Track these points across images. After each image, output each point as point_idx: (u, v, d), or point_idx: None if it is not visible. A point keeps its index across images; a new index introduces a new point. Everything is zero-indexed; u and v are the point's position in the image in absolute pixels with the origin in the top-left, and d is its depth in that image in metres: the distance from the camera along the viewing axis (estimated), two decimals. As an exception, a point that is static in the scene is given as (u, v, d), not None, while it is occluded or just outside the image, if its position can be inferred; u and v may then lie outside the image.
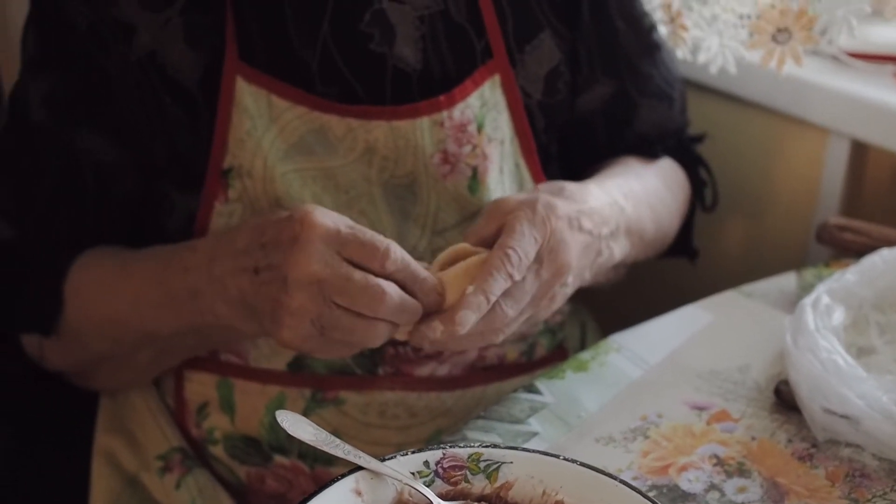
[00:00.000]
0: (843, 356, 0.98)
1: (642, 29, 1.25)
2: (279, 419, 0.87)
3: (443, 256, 1.01)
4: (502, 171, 1.16)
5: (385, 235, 1.05)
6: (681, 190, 1.30)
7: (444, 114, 1.11)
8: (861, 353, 1.06)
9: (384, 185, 1.12)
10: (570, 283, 1.04)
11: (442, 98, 1.11)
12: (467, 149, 1.13)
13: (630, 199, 1.14)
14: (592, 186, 1.10)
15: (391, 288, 0.94)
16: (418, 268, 0.96)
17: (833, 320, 1.05)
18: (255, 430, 1.16)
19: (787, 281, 1.20)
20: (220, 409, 1.17)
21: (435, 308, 0.97)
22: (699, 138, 1.35)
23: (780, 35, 1.25)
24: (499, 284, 0.95)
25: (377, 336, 0.96)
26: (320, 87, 1.10)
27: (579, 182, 1.11)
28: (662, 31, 1.34)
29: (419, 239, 1.14)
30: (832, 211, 1.39)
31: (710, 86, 1.46)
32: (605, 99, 1.25)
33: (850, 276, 1.10)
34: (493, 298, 0.95)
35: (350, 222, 0.96)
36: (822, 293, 1.07)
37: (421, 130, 1.11)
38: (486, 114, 1.14)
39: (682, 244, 1.34)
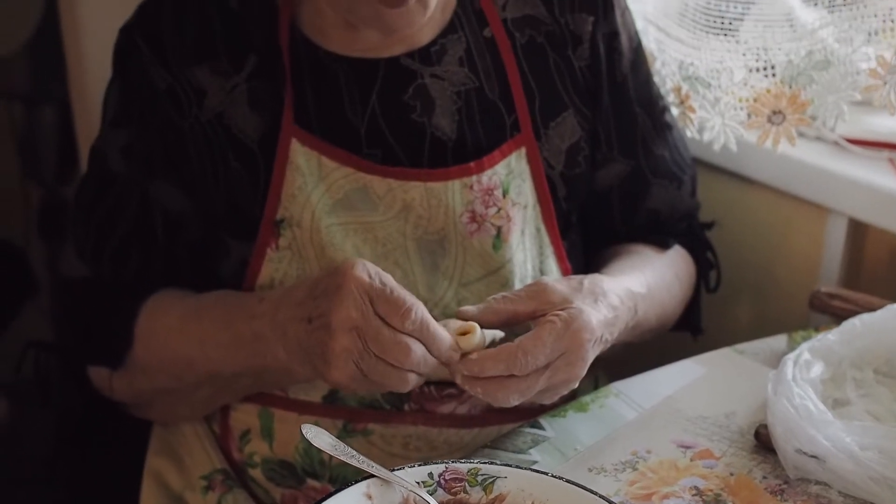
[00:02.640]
0: (815, 403, 1.09)
1: (656, 112, 1.38)
2: (303, 431, 0.99)
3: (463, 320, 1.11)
4: (524, 233, 1.28)
5: (416, 285, 1.19)
6: (689, 277, 1.40)
7: (474, 178, 1.24)
8: (837, 404, 1.16)
9: (418, 240, 1.24)
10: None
11: (472, 164, 1.24)
12: (493, 210, 1.25)
13: (646, 300, 1.23)
14: (622, 290, 1.18)
15: (416, 345, 1.05)
16: (437, 329, 1.06)
17: (811, 373, 1.15)
18: (291, 456, 1.27)
19: (777, 342, 1.31)
20: (261, 435, 1.29)
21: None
22: (709, 225, 1.46)
23: (775, 117, 1.38)
24: (497, 370, 1.05)
25: (406, 383, 1.07)
26: (366, 150, 1.23)
27: (616, 280, 1.20)
28: (674, 111, 1.46)
29: (446, 290, 1.26)
30: (832, 285, 1.50)
31: (721, 165, 1.57)
32: (621, 176, 1.37)
33: (831, 336, 1.21)
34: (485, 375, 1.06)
35: (387, 279, 1.07)
36: (804, 350, 1.18)
37: (452, 192, 1.24)
38: (511, 181, 1.26)
39: (688, 322, 1.43)
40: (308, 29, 1.25)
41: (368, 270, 1.06)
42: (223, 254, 1.27)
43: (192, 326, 1.22)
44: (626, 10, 1.34)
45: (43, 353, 1.37)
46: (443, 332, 1.07)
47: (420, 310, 1.05)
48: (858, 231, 1.50)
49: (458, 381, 1.08)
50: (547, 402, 1.14)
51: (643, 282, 1.25)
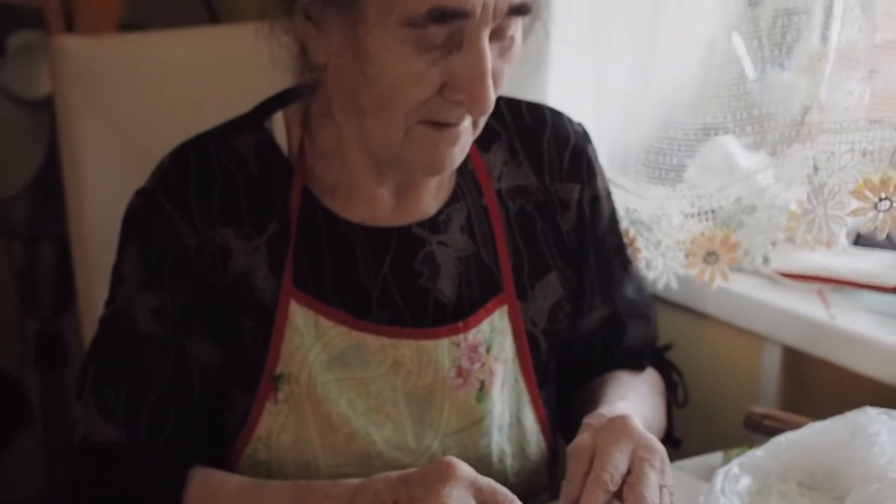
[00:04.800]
0: (737, 510, 1.20)
1: (626, 262, 1.51)
2: None
3: None
4: (503, 384, 1.39)
5: (405, 436, 1.30)
6: (662, 394, 1.53)
7: (461, 336, 1.33)
8: (763, 513, 1.27)
9: (407, 394, 1.32)
10: None
11: (461, 324, 1.33)
12: (477, 366, 1.35)
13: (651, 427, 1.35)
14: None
15: None
16: None
17: (739, 486, 1.26)
18: None
19: (714, 458, 1.41)
20: None
21: None
22: (667, 348, 1.59)
23: (710, 257, 1.53)
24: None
25: None
26: (376, 311, 1.32)
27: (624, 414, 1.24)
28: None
29: (433, 440, 1.34)
30: (770, 407, 1.62)
31: (668, 299, 1.71)
32: (601, 321, 1.49)
33: (759, 452, 1.32)
34: None
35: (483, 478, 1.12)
36: (734, 465, 1.29)
37: (442, 350, 1.33)
38: (494, 337, 1.36)
39: (669, 437, 1.54)
40: (324, 195, 1.32)
41: (467, 467, 1.12)
42: (230, 404, 1.33)
43: (254, 497, 1.25)
44: (603, 173, 1.48)
45: None
46: None
47: (517, 501, 1.11)
48: (793, 357, 1.63)
49: None
50: None
51: (640, 407, 1.36)
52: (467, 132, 1.25)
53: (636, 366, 1.51)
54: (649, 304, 1.54)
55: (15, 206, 2.39)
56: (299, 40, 1.25)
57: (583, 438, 1.20)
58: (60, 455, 1.36)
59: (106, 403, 1.27)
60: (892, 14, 1.42)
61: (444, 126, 1.22)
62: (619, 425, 1.19)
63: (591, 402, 1.40)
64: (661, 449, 1.19)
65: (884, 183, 1.31)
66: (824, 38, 1.41)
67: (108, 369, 1.28)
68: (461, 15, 1.14)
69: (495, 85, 1.20)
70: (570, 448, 1.20)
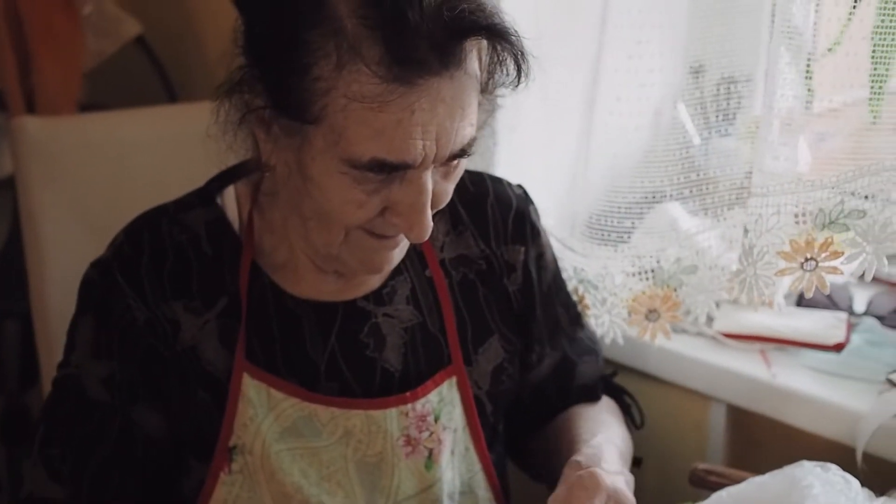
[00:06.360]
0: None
1: (571, 307, 1.57)
2: None
3: None
4: (453, 453, 1.43)
5: (356, 502, 1.33)
6: (622, 418, 1.57)
7: (409, 406, 1.37)
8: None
9: (357, 462, 1.36)
10: None
11: (408, 394, 1.37)
12: (426, 434, 1.38)
13: (624, 463, 1.39)
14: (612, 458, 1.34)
15: None
16: None
17: (682, 539, 1.31)
18: None
19: (661, 515, 1.47)
20: None
21: None
22: (614, 373, 1.63)
23: (651, 315, 1.58)
24: None
25: None
26: (325, 383, 1.35)
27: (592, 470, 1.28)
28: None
29: None
30: (717, 463, 1.66)
31: (619, 361, 1.75)
32: (554, 366, 1.54)
33: (702, 506, 1.37)
34: None
35: None
36: (677, 519, 1.35)
37: (390, 419, 1.36)
38: (442, 407, 1.40)
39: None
40: (272, 270, 1.36)
41: None
42: (184, 472, 1.37)
43: None
44: (544, 230, 1.53)
45: None
46: None
47: None
48: (738, 415, 1.67)
49: None
50: None
51: (615, 445, 1.40)
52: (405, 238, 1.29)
53: (592, 398, 1.55)
54: (594, 338, 1.59)
55: (-22, 287, 2.40)
56: (252, 133, 1.27)
57: (559, 494, 1.25)
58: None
59: (53, 463, 1.33)
60: (831, 84, 1.48)
61: (383, 237, 1.27)
62: (592, 482, 1.23)
63: (561, 441, 1.44)
64: (631, 499, 1.24)
65: (808, 244, 1.37)
66: (767, 106, 1.45)
67: (57, 431, 1.34)
68: (402, 167, 1.18)
69: (438, 203, 1.25)
70: (551, 501, 1.25)
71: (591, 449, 1.34)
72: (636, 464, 1.57)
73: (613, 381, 1.63)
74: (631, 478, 1.33)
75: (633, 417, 1.61)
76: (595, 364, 1.58)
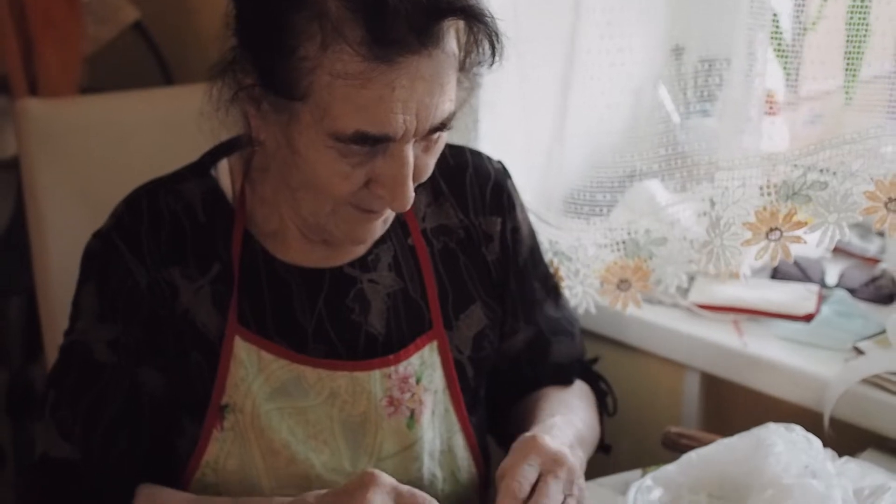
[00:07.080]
0: (647, 517, 1.31)
1: (549, 284, 1.62)
2: None
3: None
4: (434, 413, 1.49)
5: (341, 460, 1.40)
6: (593, 405, 1.63)
7: (392, 368, 1.43)
8: (674, 521, 1.38)
9: (343, 422, 1.43)
10: None
11: (391, 357, 1.44)
12: (407, 395, 1.45)
13: (581, 443, 1.45)
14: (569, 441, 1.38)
15: None
16: None
17: (650, 496, 1.36)
18: None
19: (633, 475, 1.51)
20: None
21: None
22: (594, 360, 1.69)
23: (623, 285, 1.64)
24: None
25: None
26: (312, 345, 1.42)
27: (533, 434, 1.34)
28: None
29: (367, 463, 1.43)
30: (691, 428, 1.72)
31: (596, 331, 1.82)
32: (527, 341, 1.60)
33: (672, 467, 1.42)
34: None
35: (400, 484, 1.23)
36: (647, 479, 1.40)
37: (374, 380, 1.43)
38: (424, 370, 1.46)
39: (601, 444, 1.63)
40: (264, 238, 1.42)
41: (388, 476, 1.23)
42: (179, 431, 1.43)
43: None
44: (522, 205, 1.59)
45: None
46: None
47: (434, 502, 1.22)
48: (711, 382, 1.74)
49: None
50: None
51: (576, 428, 1.46)
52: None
53: (564, 380, 1.61)
54: (573, 321, 1.65)
55: (-16, 262, 2.46)
56: (243, 110, 1.33)
57: (505, 461, 1.31)
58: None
59: (65, 424, 1.38)
60: (809, 63, 1.53)
61: (369, 211, 1.34)
62: (529, 443, 1.30)
63: (524, 420, 1.50)
64: (570, 462, 1.29)
65: (773, 215, 1.43)
66: (740, 84, 1.50)
67: (67, 394, 1.39)
68: (384, 139, 1.24)
69: (420, 176, 1.31)
70: (498, 471, 1.31)
71: (545, 426, 1.41)
72: (605, 450, 1.64)
73: (593, 369, 1.68)
74: (583, 457, 1.39)
75: (606, 406, 1.67)
76: (570, 345, 1.63)
